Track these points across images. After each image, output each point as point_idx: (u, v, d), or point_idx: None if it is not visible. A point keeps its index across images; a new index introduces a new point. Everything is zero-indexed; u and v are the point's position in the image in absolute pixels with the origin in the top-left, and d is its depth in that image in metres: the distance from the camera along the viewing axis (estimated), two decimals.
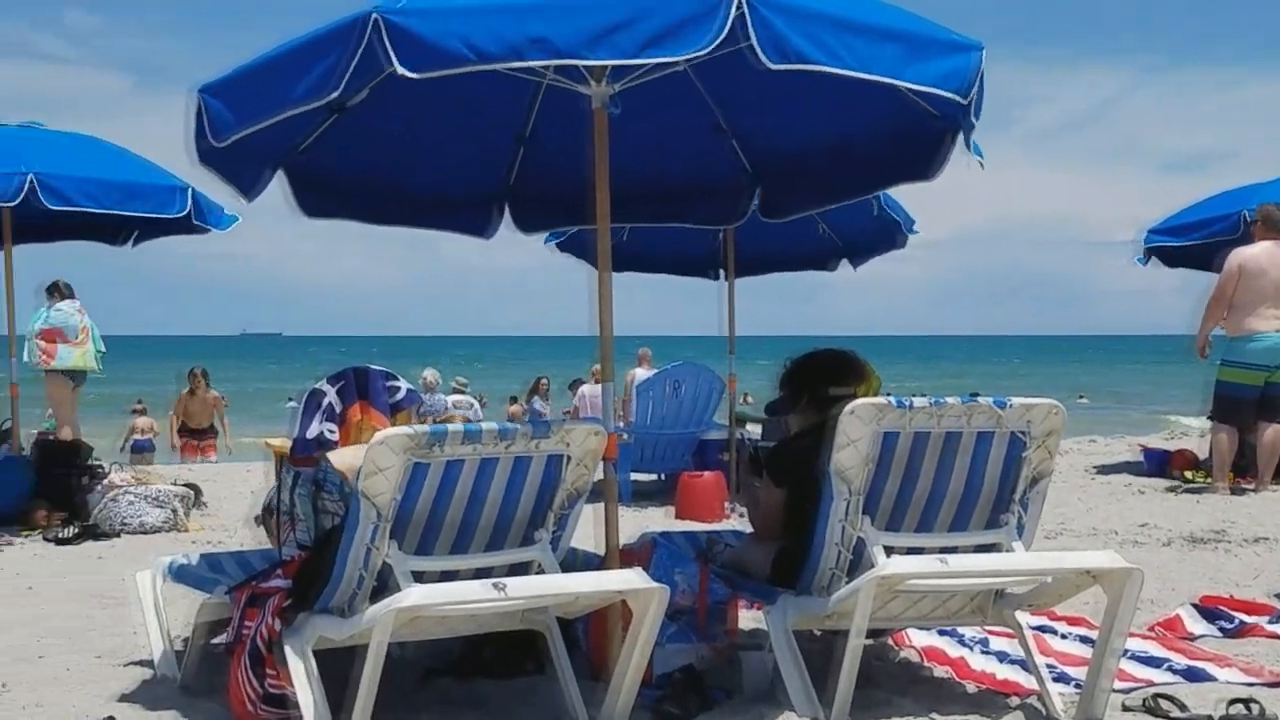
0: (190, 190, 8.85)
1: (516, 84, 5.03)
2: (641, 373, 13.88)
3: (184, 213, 8.77)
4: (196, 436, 16.45)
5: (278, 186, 5.32)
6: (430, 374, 17.37)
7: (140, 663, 5.04)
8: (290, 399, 48.40)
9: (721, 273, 10.83)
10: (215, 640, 4.91)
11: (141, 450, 18.11)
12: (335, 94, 3.97)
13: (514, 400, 24.11)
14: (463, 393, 19.00)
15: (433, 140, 5.58)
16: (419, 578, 3.95)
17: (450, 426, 3.98)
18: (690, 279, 11.74)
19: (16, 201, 8.25)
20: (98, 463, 9.63)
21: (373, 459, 3.83)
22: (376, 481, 3.84)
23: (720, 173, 5.90)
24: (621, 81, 4.50)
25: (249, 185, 5.03)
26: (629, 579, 4.06)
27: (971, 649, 5.15)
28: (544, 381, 22.16)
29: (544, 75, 4.68)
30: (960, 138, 4.56)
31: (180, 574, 4.95)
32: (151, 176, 8.98)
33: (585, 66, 4.30)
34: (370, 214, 5.81)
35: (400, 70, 3.77)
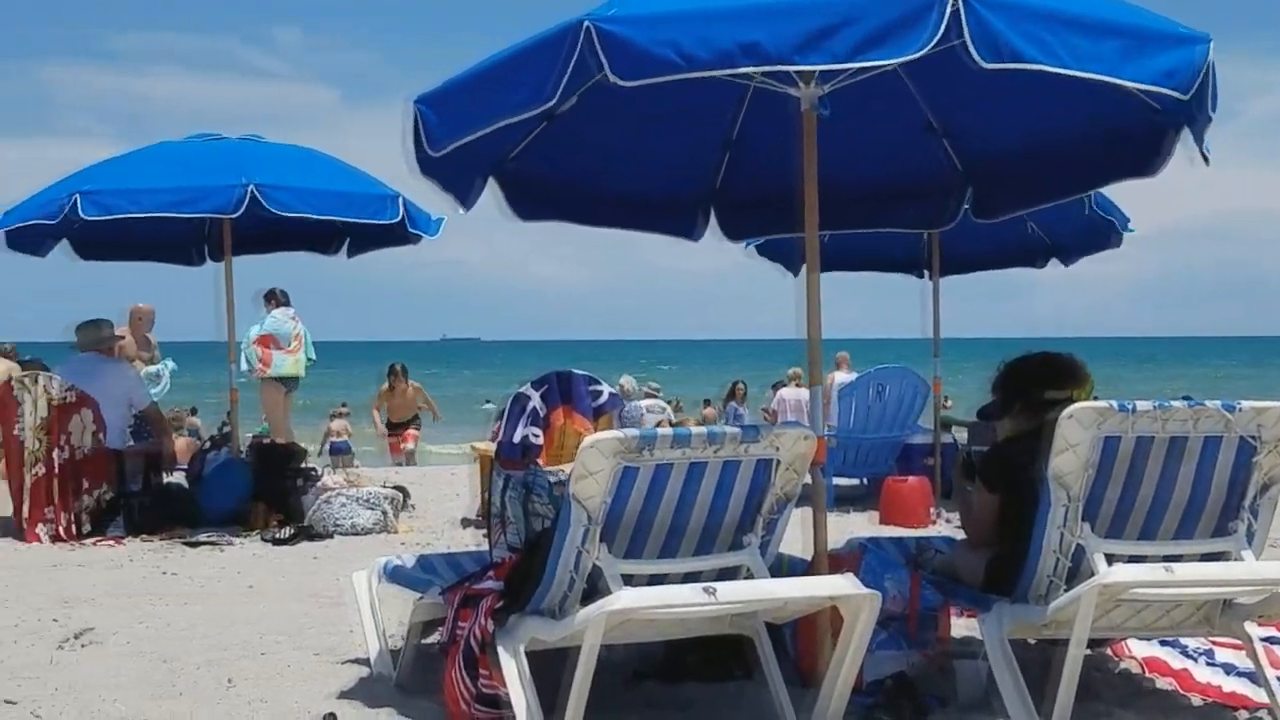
0: (401, 198, 9.15)
1: (724, 88, 5.08)
2: (841, 376, 13.79)
3: (397, 219, 9.08)
4: (397, 431, 16.75)
5: (486, 192, 5.47)
6: (627, 381, 17.50)
7: (357, 661, 5.23)
8: (487, 400, 49.55)
9: (926, 273, 10.71)
10: (429, 640, 5.11)
11: (339, 452, 18.73)
12: (550, 103, 4.06)
13: (707, 404, 24.17)
14: (655, 397, 19.13)
15: (640, 145, 5.66)
16: (629, 581, 4.02)
17: (660, 430, 4.04)
18: (887, 279, 11.62)
19: (239, 213, 8.67)
20: (311, 466, 10.03)
21: (583, 462, 3.91)
22: (587, 485, 3.92)
23: (931, 173, 5.84)
24: (831, 83, 4.50)
25: (465, 194, 5.17)
26: (840, 584, 4.06)
27: (1196, 660, 5.00)
28: (740, 386, 22.15)
29: (752, 78, 4.70)
30: (1187, 132, 4.43)
31: (395, 575, 5.11)
32: (364, 186, 9.31)
33: (796, 70, 4.31)
34: (582, 216, 5.92)
35: (613, 78, 3.84)
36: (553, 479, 5.05)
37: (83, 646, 5.60)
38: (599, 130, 5.38)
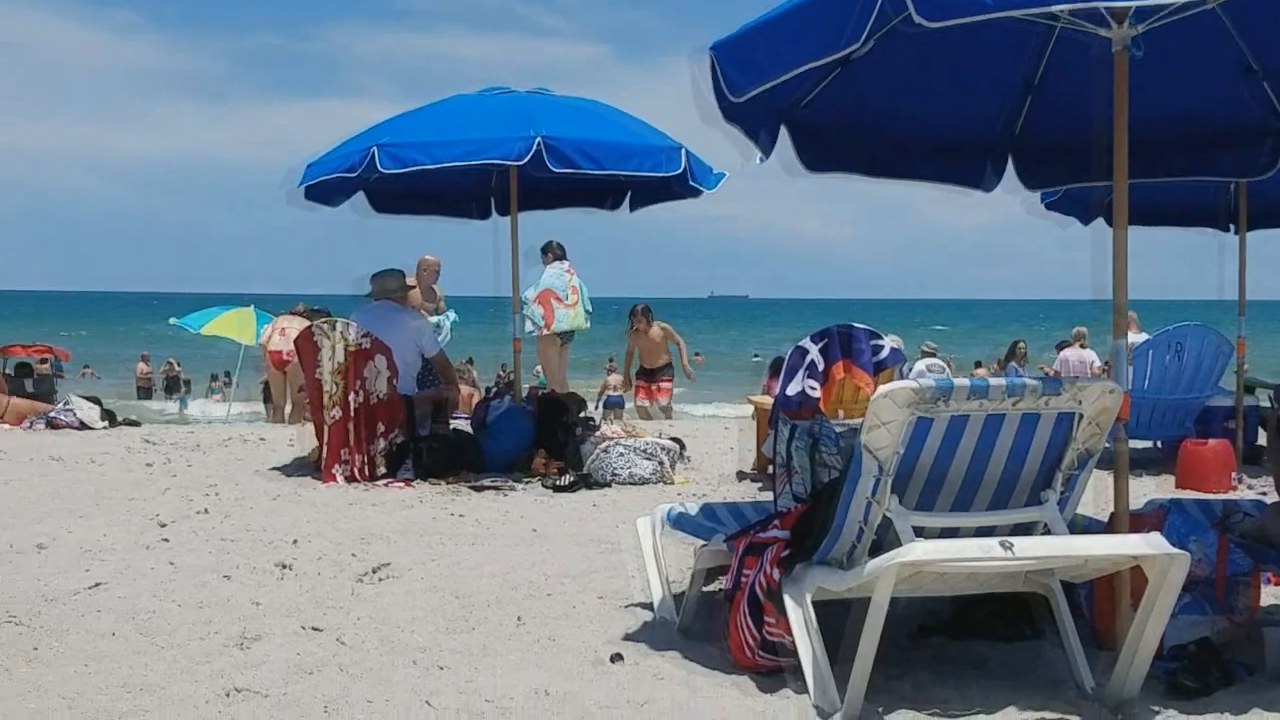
0: (684, 149, 9.25)
1: (1029, 30, 4.94)
2: (1131, 336, 13.25)
3: (679, 171, 9.19)
4: (648, 377, 16.16)
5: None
6: (894, 341, 17.18)
7: (639, 605, 5.35)
8: (756, 354, 49.86)
9: (1232, 226, 10.19)
10: (711, 587, 5.19)
11: (613, 406, 18.99)
12: (851, 47, 4.03)
13: (978, 365, 23.71)
14: (933, 356, 18.83)
15: (936, 90, 5.56)
16: (920, 533, 3.99)
17: (957, 380, 3.99)
18: (1163, 236, 11.11)
19: (524, 161, 8.91)
20: (589, 416, 10.27)
21: (876, 412, 3.89)
22: (879, 435, 3.90)
23: (1249, 119, 5.56)
24: (1145, 22, 4.32)
25: (764, 141, 5.18)
26: (1146, 544, 3.93)
27: None
28: (1021, 345, 21.62)
29: (1059, 19, 4.56)
30: None
31: (679, 521, 5.21)
32: (650, 138, 9.45)
33: (1108, 8, 4.16)
34: (869, 166, 5.85)
35: (917, 19, 3.76)
36: (840, 429, 5.05)
37: (380, 580, 5.91)
38: (891, 77, 5.30)
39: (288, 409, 14.51)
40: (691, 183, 9.36)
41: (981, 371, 22.34)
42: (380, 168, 8.90)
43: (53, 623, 5.05)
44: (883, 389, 3.89)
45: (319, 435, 9.13)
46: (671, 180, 9.40)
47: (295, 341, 9.79)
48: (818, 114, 5.41)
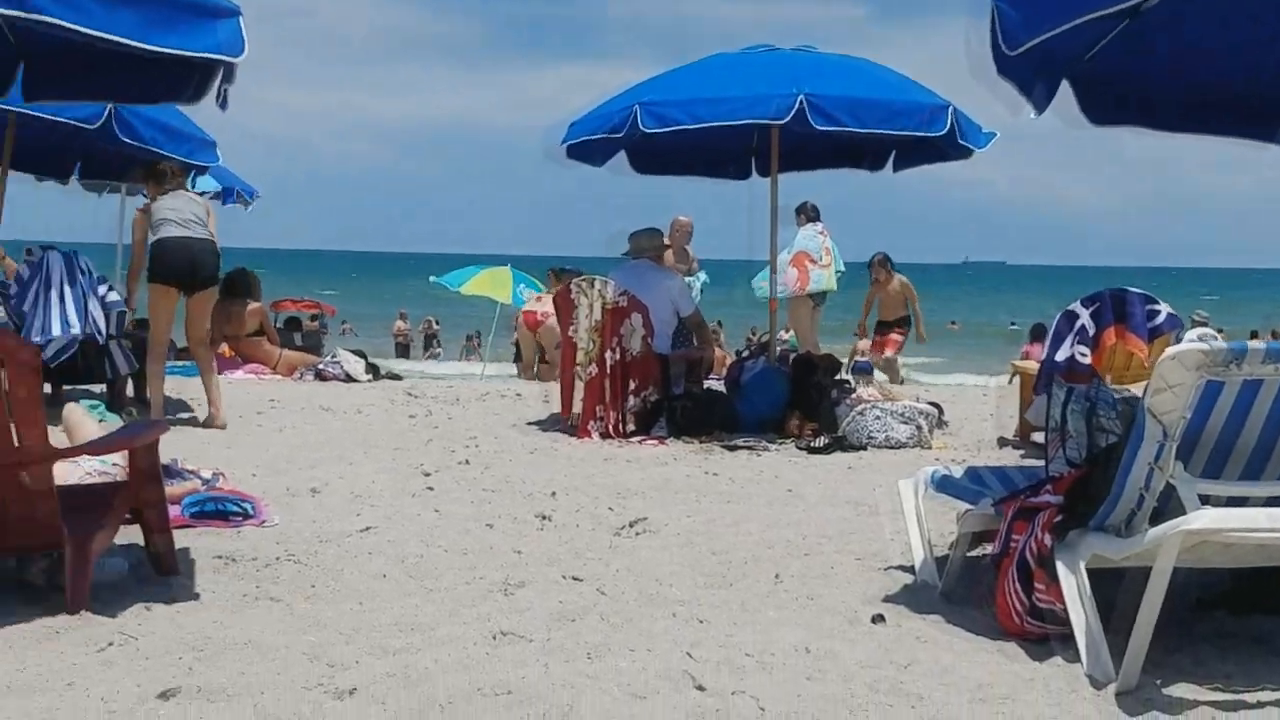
0: (951, 108, 9.07)
1: None
2: None
3: (945, 131, 9.02)
4: (882, 330, 15.77)
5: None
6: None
7: (900, 568, 5.29)
8: (1013, 323, 48.72)
9: None
10: (975, 551, 5.11)
11: (861, 371, 18.70)
12: None
13: (1254, 335, 22.62)
14: (1204, 325, 18.05)
15: (1231, 41, 5.29)
16: (1205, 502, 3.83)
17: (1251, 344, 3.80)
18: None
19: (786, 120, 8.87)
20: (845, 379, 10.21)
21: (1162, 375, 3.74)
22: (1164, 399, 3.76)
23: None
24: None
25: (1040, 95, 5.02)
26: None
27: None
28: None
29: None
30: None
31: (943, 484, 5.13)
32: (916, 95, 9.31)
33: None
34: (1157, 119, 5.61)
35: None
36: (1118, 395, 4.89)
37: (637, 534, 6.01)
38: (1184, 27, 5.07)
39: (536, 370, 14.87)
40: (961, 141, 9.17)
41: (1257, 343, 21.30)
42: (641, 126, 9.00)
43: (328, 562, 5.31)
44: (1170, 350, 3.74)
45: (566, 393, 9.31)
46: (938, 141, 9.24)
47: (554, 299, 10.00)
48: (1104, 65, 5.21)
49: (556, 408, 9.98)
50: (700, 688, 3.82)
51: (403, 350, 35.40)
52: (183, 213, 8.92)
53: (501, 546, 5.68)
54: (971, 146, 9.28)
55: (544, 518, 6.27)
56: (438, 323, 38.37)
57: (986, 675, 3.98)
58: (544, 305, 14.90)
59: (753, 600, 4.84)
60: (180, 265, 8.98)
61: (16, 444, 4.30)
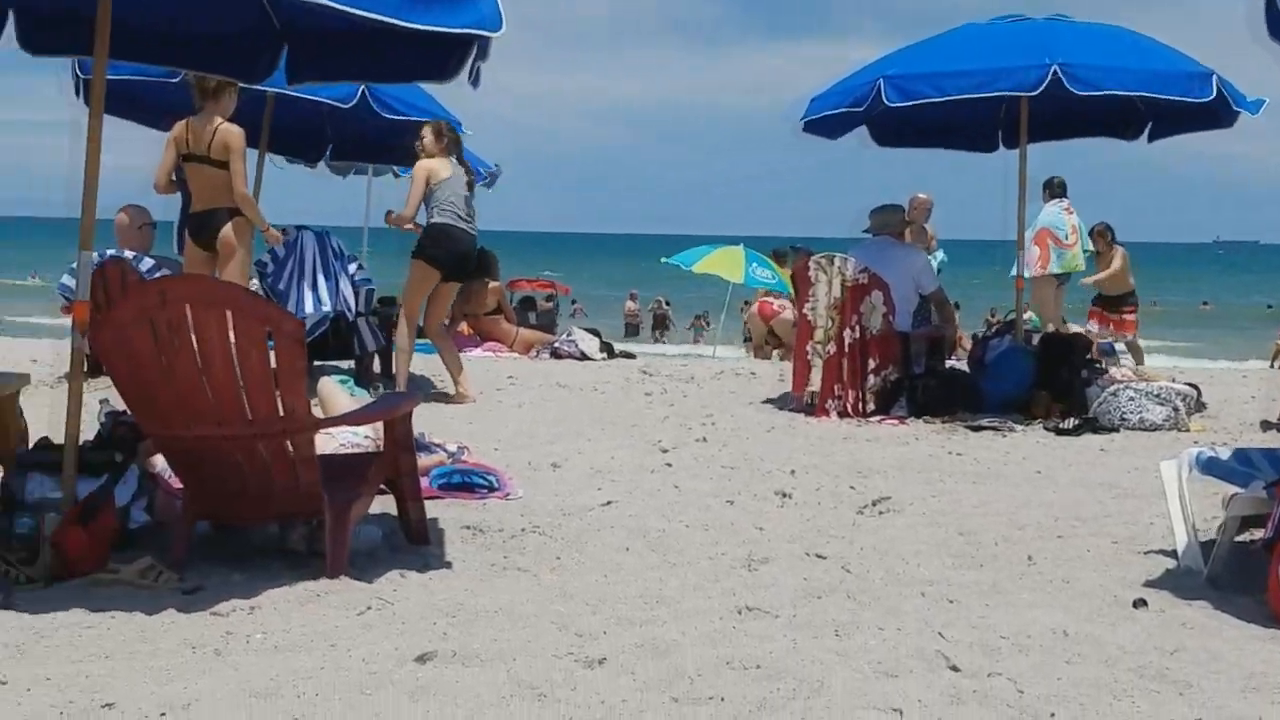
0: (1215, 76, 8.70)
1: None
2: None
3: (1210, 97, 8.64)
4: (1108, 306, 14.77)
5: None
6: None
7: (1160, 552, 5.12)
8: (1269, 305, 46.59)
9: None
10: (1242, 536, 4.89)
11: (1105, 353, 18.04)
12: None
13: None
14: None
15: None
16: None
17: None
18: None
19: (1038, 92, 8.66)
20: (1096, 359, 9.90)
21: None
22: None
23: None
24: None
25: None
26: None
27: None
28: None
29: None
30: None
31: (1209, 466, 4.92)
32: (1176, 64, 8.94)
33: None
34: None
35: None
36: None
37: (880, 514, 5.95)
38: None
39: (765, 351, 14.86)
40: (1235, 107, 8.77)
41: None
42: (886, 101, 8.88)
43: (571, 535, 5.41)
44: None
45: (800, 372, 9.25)
46: (1198, 109, 8.86)
47: (791, 275, 9.94)
48: None
49: (791, 387, 9.95)
50: (954, 668, 3.76)
51: (632, 331, 35.79)
52: (462, 207, 9.13)
53: (742, 523, 5.70)
54: (1244, 111, 8.83)
55: (784, 495, 6.26)
56: (667, 303, 38.64)
57: (1259, 664, 3.82)
58: (782, 299, 14.88)
59: (1005, 581, 4.74)
60: (456, 258, 9.28)
61: (282, 413, 4.49)
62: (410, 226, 9.19)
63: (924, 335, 9.43)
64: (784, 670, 3.71)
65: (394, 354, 9.49)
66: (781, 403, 9.55)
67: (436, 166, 9.09)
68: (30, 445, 5.38)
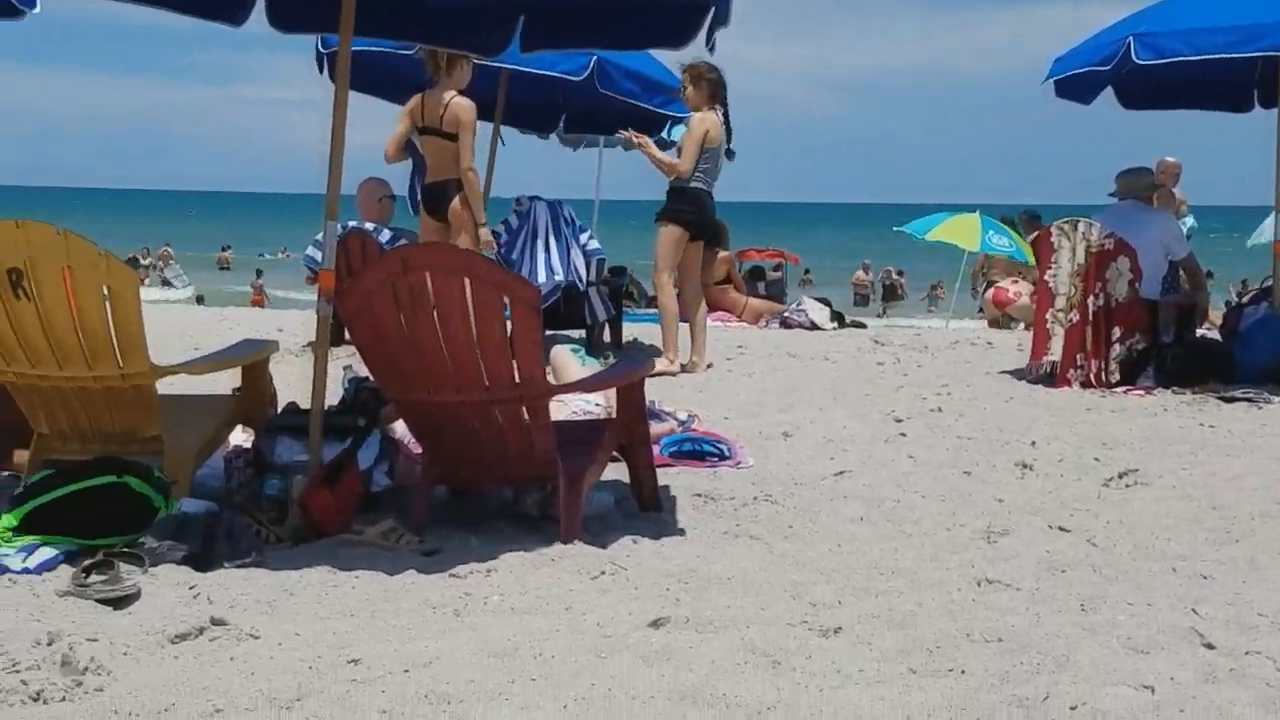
0: None
1: None
2: None
3: None
4: None
5: None
6: None
7: None
8: None
9: None
10: None
11: None
12: None
13: None
14: None
15: None
16: None
17: None
18: None
19: None
20: None
21: None
22: None
23: None
24: None
25: None
26: None
27: None
28: None
29: None
30: None
31: None
32: None
33: None
34: None
35: None
36: None
37: (1127, 486, 5.75)
38: None
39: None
40: None
41: None
42: (1135, 58, 8.56)
43: (804, 504, 5.38)
44: None
45: (1040, 340, 8.99)
46: None
47: (1032, 243, 9.67)
48: None
49: (1030, 356, 9.70)
50: (1209, 645, 3.62)
51: (862, 301, 35.37)
52: (716, 175, 9.16)
53: (980, 494, 5.58)
54: None
55: (1024, 466, 6.10)
56: (899, 273, 38.06)
57: None
58: (1018, 286, 14.49)
59: (1263, 558, 4.54)
60: (708, 221, 9.38)
61: (518, 380, 4.58)
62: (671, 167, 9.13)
63: (1173, 303, 9.06)
64: (1027, 644, 3.62)
65: (620, 323, 9.57)
66: (1020, 373, 9.30)
67: (712, 127, 9.05)
68: (279, 410, 5.61)
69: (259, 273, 37.83)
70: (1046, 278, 8.97)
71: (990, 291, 15.58)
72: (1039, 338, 9.06)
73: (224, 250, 51.56)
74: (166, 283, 37.46)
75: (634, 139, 9.23)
